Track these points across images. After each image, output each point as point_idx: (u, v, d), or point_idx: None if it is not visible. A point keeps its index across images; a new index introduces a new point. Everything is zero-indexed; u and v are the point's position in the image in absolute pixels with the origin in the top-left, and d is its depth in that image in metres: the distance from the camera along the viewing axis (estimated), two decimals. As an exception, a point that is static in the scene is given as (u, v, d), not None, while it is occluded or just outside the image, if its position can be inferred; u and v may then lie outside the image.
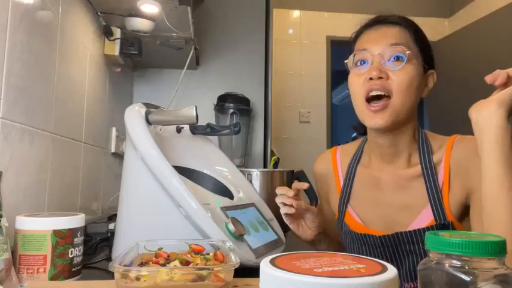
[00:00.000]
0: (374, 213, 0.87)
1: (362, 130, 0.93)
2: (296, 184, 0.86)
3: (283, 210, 0.85)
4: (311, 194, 0.99)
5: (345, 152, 0.98)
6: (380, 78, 0.77)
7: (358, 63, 0.82)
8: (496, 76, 0.69)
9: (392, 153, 0.85)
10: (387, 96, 0.77)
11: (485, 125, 0.66)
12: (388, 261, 0.34)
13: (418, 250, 0.79)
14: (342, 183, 0.94)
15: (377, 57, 0.79)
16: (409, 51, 0.78)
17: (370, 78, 0.77)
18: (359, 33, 0.86)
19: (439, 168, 0.81)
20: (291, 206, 0.83)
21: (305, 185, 0.85)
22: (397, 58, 0.78)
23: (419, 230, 0.79)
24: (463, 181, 0.78)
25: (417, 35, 0.82)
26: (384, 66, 0.78)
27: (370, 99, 0.79)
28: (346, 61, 0.85)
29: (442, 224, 0.77)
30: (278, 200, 0.85)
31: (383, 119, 0.77)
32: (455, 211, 0.78)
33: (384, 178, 0.87)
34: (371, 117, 0.79)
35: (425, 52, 0.83)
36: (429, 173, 0.80)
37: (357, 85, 0.81)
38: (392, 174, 0.85)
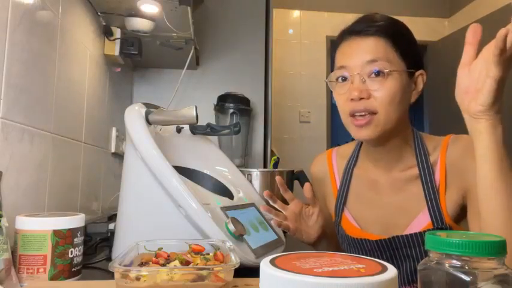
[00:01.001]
0: (371, 216, 0.87)
1: None
2: (280, 184, 0.89)
3: (281, 225, 0.88)
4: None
5: (340, 155, 0.97)
6: (361, 98, 0.75)
7: (340, 80, 0.80)
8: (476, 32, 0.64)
9: (387, 158, 0.85)
10: (372, 113, 0.76)
11: (479, 125, 0.63)
12: (385, 265, 0.34)
13: (415, 254, 0.79)
14: (338, 186, 0.94)
15: (356, 77, 0.77)
16: (388, 69, 0.75)
17: (352, 99, 0.76)
18: (337, 45, 0.84)
19: (435, 169, 0.80)
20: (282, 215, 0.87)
21: (278, 180, 0.89)
22: (376, 74, 0.76)
23: (416, 233, 0.79)
24: (459, 181, 0.78)
25: (398, 40, 0.78)
26: (364, 85, 0.76)
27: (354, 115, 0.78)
28: (326, 80, 0.84)
29: (440, 229, 0.77)
30: (264, 210, 0.88)
31: (368, 132, 0.77)
32: (452, 212, 0.78)
33: (380, 181, 0.86)
34: (356, 132, 0.79)
35: (410, 55, 0.79)
36: (426, 174, 0.80)
37: (341, 102, 0.80)
38: (389, 176, 0.85)
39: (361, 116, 0.76)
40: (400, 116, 0.78)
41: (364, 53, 0.77)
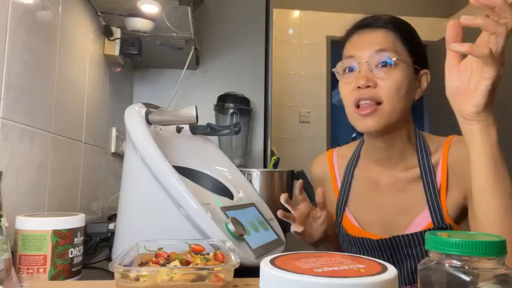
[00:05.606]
0: (372, 216, 0.87)
1: None
2: (298, 185, 0.85)
3: (293, 228, 0.83)
4: (311, 192, 0.99)
5: (341, 155, 0.97)
6: (368, 86, 0.75)
7: (347, 71, 0.81)
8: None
9: (388, 156, 0.84)
10: (377, 103, 0.76)
11: (472, 127, 0.61)
12: (386, 264, 0.34)
13: (416, 253, 0.79)
14: (339, 186, 0.94)
15: (364, 65, 0.77)
16: (396, 57, 0.76)
17: (358, 87, 0.76)
18: (346, 38, 0.85)
19: (437, 170, 0.80)
20: (296, 220, 0.83)
21: (299, 182, 0.85)
22: (384, 64, 0.76)
23: (416, 233, 0.79)
24: (460, 182, 0.78)
25: (406, 36, 0.80)
26: (371, 74, 0.77)
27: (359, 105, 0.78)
28: (334, 69, 0.84)
29: (440, 228, 0.77)
30: (281, 216, 0.82)
31: (373, 122, 0.76)
32: (452, 213, 0.78)
33: (381, 181, 0.86)
34: (361, 122, 0.78)
35: (416, 52, 0.80)
36: (427, 175, 0.80)
37: (347, 93, 0.80)
38: (390, 176, 0.85)
39: (366, 104, 0.76)
40: (404, 110, 0.78)
41: (373, 44, 0.78)
